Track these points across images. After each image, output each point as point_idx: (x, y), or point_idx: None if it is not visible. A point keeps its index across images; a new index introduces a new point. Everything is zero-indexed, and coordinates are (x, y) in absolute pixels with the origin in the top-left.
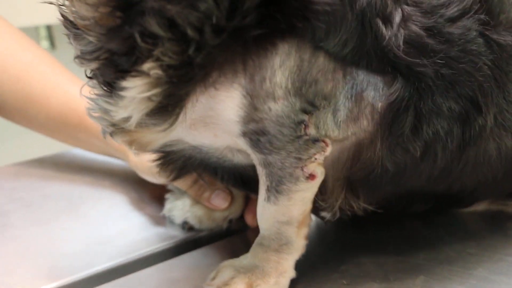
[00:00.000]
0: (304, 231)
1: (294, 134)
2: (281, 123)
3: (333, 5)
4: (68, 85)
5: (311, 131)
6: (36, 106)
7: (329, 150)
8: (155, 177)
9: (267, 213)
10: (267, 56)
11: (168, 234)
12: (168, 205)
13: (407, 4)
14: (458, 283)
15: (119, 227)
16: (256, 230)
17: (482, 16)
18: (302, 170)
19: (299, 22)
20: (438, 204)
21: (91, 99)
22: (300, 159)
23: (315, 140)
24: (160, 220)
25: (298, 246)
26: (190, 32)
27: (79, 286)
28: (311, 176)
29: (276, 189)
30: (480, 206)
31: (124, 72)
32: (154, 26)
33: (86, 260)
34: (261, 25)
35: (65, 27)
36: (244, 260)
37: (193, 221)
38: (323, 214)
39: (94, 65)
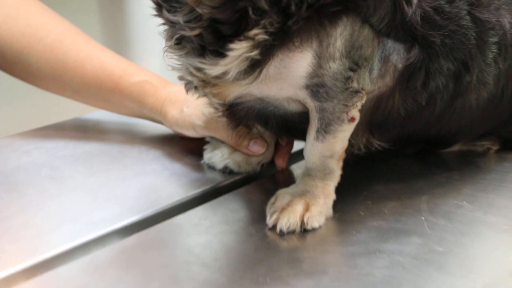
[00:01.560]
0: (341, 163)
1: (343, 86)
2: (335, 78)
3: None
4: (100, 53)
5: (355, 84)
6: (71, 72)
7: (364, 99)
8: (196, 131)
9: (315, 150)
10: (333, 27)
11: (211, 177)
12: (207, 155)
13: None
14: (453, 198)
15: (168, 173)
16: (282, 172)
17: None
18: (347, 114)
19: (361, 1)
20: (426, 147)
21: (182, 60)
22: (346, 105)
23: (357, 91)
24: (198, 168)
25: (337, 175)
26: (293, 7)
27: (144, 224)
28: (352, 119)
29: (324, 130)
30: (455, 147)
31: (226, 37)
32: (262, 2)
33: (151, 200)
34: (338, 3)
35: (155, 2)
36: (296, 188)
37: (233, 166)
38: (352, 150)
39: (196, 31)
